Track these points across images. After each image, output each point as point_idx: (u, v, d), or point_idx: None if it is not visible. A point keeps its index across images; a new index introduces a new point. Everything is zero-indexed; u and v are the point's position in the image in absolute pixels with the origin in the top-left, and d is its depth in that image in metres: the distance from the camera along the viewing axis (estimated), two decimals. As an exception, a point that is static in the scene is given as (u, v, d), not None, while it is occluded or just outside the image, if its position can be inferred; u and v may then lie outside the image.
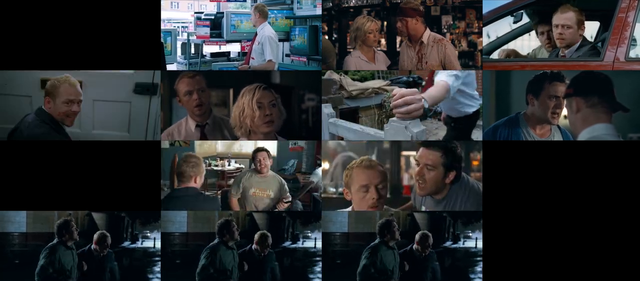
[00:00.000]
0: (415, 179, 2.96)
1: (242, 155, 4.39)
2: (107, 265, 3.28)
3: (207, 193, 3.96)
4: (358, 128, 3.21)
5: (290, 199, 3.63)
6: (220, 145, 4.44)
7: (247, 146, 4.20)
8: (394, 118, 2.76)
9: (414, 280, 3.26)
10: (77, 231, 3.24)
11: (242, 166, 4.34)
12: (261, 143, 3.61)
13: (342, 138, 3.45)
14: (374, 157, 3.74)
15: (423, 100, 2.73)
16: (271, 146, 3.69)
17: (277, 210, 3.56)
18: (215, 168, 4.38)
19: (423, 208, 3.14)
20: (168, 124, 3.63)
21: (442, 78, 3.19)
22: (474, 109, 3.63)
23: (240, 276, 3.25)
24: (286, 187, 3.66)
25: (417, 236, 3.27)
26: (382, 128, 3.26)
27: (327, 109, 3.42)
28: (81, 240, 3.26)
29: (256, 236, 3.27)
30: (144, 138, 3.61)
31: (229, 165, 4.42)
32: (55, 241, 3.21)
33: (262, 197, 3.60)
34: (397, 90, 2.72)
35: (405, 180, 4.14)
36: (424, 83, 4.03)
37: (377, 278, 3.22)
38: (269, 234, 3.28)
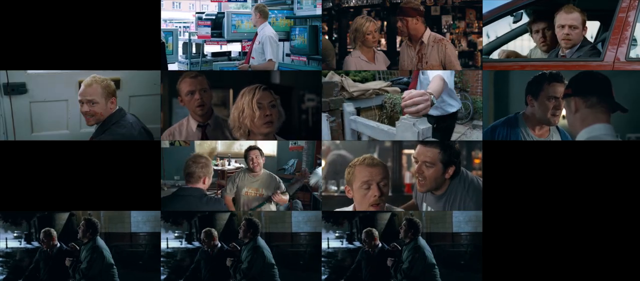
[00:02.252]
0: (415, 176, 2.98)
1: (242, 155, 4.40)
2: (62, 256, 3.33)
3: (209, 193, 3.96)
4: (374, 125, 3.35)
5: (285, 190, 3.64)
6: (220, 145, 4.45)
7: (246, 145, 4.20)
8: (405, 116, 2.93)
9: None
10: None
11: (242, 166, 4.35)
12: (260, 143, 3.61)
13: (359, 137, 3.49)
14: (375, 156, 3.75)
15: (431, 96, 2.81)
16: (271, 145, 3.70)
17: (274, 202, 3.56)
18: (215, 167, 4.39)
19: (424, 206, 3.15)
20: (167, 124, 3.64)
21: (436, 73, 3.32)
22: (455, 109, 3.73)
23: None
24: (281, 183, 3.67)
25: (363, 235, 3.30)
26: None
27: (349, 107, 3.57)
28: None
29: (202, 235, 3.33)
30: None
31: (229, 164, 4.43)
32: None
33: (256, 196, 3.61)
34: (407, 93, 2.85)
35: (407, 178, 4.15)
36: (408, 80, 4.06)
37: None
38: (213, 230, 3.32)
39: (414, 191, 3.31)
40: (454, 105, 3.73)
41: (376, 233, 3.29)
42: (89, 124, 3.31)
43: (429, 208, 3.11)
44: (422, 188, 2.99)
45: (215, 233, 3.33)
